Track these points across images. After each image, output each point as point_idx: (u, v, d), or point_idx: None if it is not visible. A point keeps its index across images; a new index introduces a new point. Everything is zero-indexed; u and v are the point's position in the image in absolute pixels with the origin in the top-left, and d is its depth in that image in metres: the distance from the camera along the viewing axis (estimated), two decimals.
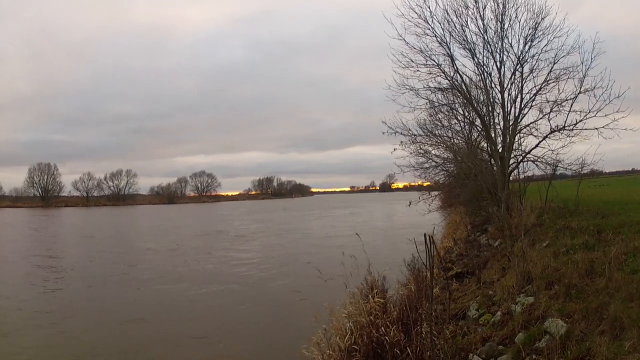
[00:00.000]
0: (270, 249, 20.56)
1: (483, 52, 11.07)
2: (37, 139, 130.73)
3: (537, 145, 10.85)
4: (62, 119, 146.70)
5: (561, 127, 10.23)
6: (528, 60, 10.62)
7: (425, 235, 7.99)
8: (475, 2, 10.72)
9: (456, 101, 12.47)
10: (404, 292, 6.70)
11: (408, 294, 6.45)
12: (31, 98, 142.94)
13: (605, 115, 9.40)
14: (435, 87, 11.56)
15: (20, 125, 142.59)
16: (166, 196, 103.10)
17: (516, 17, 10.57)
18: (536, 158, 11.00)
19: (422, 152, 13.67)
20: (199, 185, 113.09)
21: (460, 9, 10.79)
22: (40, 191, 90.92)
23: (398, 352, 4.77)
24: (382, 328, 5.12)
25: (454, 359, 4.35)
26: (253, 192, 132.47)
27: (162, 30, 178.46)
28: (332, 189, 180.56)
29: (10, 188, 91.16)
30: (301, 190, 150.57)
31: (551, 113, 10.47)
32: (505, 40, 10.75)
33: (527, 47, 10.55)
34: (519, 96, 10.79)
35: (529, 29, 10.49)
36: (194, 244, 22.54)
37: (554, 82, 10.42)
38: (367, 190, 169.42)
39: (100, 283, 13.18)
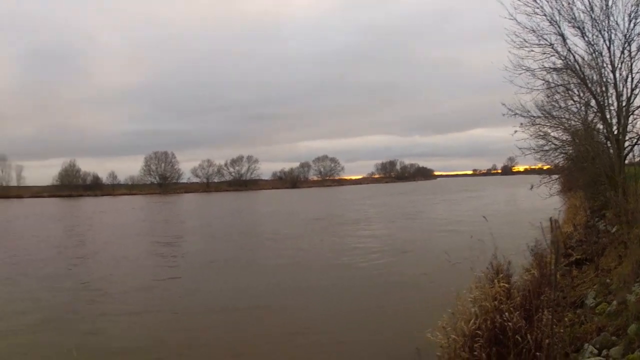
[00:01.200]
0: (395, 232, 21.29)
1: (592, 30, 10.71)
2: (153, 129, 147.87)
3: None
4: (177, 109, 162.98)
5: None
6: (634, 39, 10.11)
7: (551, 220, 8.41)
8: None
9: (571, 81, 12.17)
10: (527, 278, 6.84)
11: (531, 279, 6.63)
12: (146, 89, 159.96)
13: None
14: (550, 68, 11.39)
15: (136, 116, 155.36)
16: (289, 180, 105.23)
17: None
18: None
19: (542, 134, 13.66)
20: (322, 169, 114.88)
21: None
22: (157, 178, 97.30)
23: (519, 338, 4.84)
24: (506, 313, 5.21)
25: (570, 348, 4.50)
26: (376, 176, 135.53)
27: (276, 16, 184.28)
28: (455, 172, 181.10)
29: (126, 176, 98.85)
30: (424, 174, 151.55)
31: None
32: (611, 18, 10.31)
33: (632, 25, 10.05)
34: (629, 76, 10.36)
35: (631, 5, 9.95)
36: (317, 227, 23.92)
37: None
38: (488, 173, 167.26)
39: (218, 266, 14.24)
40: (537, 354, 4.58)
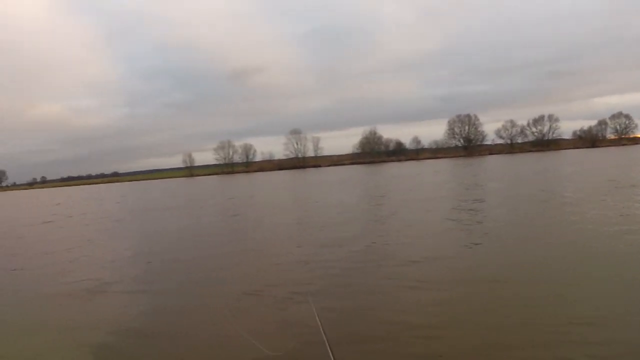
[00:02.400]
0: None
1: None
2: (454, 92, 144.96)
3: None
4: (476, 70, 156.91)
5: None
6: None
7: None
8: None
9: None
10: None
11: None
12: (443, 53, 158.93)
13: None
14: None
15: (435, 81, 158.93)
16: (588, 140, 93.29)
17: None
18: None
19: None
20: (618, 127, 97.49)
21: None
22: (461, 141, 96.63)
23: None
24: None
25: None
26: None
27: None
28: None
29: (430, 141, 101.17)
30: None
31: None
32: None
33: None
34: None
35: None
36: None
37: None
38: None
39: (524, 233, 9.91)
40: None
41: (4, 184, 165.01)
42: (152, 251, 11.94)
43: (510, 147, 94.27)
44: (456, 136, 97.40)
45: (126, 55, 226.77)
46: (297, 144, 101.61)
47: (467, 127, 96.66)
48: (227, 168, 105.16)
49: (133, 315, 6.69)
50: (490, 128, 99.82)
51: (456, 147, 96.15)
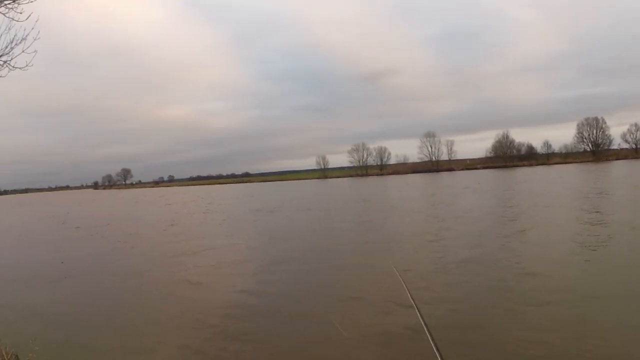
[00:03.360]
0: None
1: None
2: (581, 94, 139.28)
3: None
4: (602, 71, 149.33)
5: None
6: None
7: None
8: None
9: None
10: None
11: None
12: (567, 54, 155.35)
13: None
14: None
15: (561, 83, 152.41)
16: None
17: None
18: None
19: None
20: None
21: None
22: (590, 146, 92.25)
23: None
24: None
25: None
26: None
27: None
28: None
29: (560, 145, 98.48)
30: None
31: None
32: None
33: None
34: None
35: None
36: None
37: None
38: None
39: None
40: None
41: (128, 182, 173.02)
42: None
43: (635, 152, 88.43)
44: (585, 140, 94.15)
45: (257, 59, 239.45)
46: (430, 147, 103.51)
47: (594, 131, 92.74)
48: (360, 170, 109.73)
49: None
50: (616, 132, 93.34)
51: (584, 151, 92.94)
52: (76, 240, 21.87)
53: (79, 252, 17.66)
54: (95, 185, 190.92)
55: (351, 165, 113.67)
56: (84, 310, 9.41)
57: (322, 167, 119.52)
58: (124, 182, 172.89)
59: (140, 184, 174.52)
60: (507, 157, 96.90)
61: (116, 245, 19.03)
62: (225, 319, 8.07)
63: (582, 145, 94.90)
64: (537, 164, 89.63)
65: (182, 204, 47.28)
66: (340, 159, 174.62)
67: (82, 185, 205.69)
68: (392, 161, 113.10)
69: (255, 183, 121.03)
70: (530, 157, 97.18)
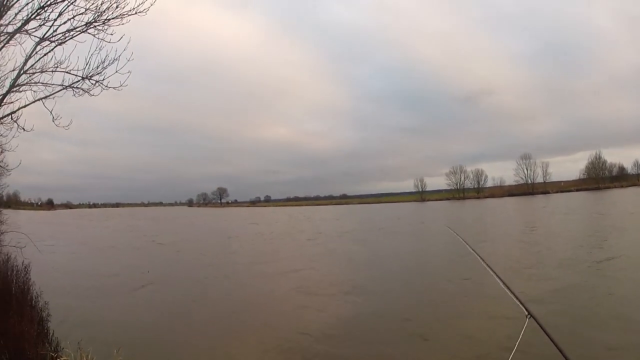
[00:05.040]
0: None
1: None
2: None
3: None
4: None
5: None
6: None
7: None
8: None
9: None
10: None
11: None
12: None
13: None
14: None
15: None
16: None
17: None
18: None
19: None
20: None
21: None
22: None
23: None
24: None
25: None
26: None
27: None
28: None
29: None
30: None
31: None
32: None
33: None
34: None
35: None
36: None
37: None
38: None
39: None
40: None
41: (224, 200, 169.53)
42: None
43: None
44: None
45: (352, 79, 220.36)
46: (526, 169, 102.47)
47: None
48: (457, 193, 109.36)
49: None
50: None
51: None
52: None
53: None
54: (190, 203, 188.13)
55: (448, 187, 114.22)
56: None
57: (420, 189, 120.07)
58: (219, 201, 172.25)
59: (235, 203, 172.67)
60: (600, 178, 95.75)
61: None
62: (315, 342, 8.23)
63: None
64: (628, 185, 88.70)
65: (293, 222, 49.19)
66: (438, 181, 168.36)
67: (176, 202, 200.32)
68: (489, 183, 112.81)
69: (353, 205, 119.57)
70: (621, 178, 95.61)
